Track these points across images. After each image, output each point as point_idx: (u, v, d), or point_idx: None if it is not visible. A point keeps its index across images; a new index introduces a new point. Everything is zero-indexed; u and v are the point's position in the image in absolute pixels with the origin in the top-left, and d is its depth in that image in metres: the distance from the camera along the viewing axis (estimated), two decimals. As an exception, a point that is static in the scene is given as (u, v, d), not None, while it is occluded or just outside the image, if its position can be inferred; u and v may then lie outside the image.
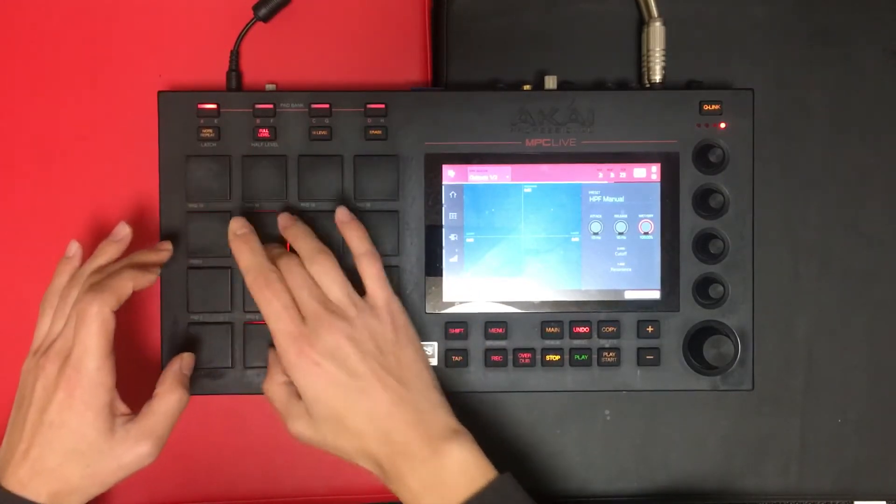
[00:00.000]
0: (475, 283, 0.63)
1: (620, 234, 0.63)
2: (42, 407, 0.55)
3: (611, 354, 0.63)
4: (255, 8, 0.68)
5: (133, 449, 0.55)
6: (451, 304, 0.63)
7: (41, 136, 0.68)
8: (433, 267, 0.63)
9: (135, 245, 0.61)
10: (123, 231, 0.61)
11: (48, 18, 0.68)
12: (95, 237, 0.61)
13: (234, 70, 0.67)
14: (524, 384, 0.64)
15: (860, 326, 0.70)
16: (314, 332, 0.55)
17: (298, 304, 0.56)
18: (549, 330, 0.63)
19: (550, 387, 0.64)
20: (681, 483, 0.70)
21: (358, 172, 0.63)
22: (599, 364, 0.63)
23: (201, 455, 0.68)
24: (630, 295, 0.64)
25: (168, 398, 0.57)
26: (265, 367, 0.62)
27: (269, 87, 0.65)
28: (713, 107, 0.63)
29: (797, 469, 0.70)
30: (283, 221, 0.61)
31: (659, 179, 0.63)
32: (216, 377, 0.63)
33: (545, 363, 0.63)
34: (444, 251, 0.63)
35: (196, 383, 0.62)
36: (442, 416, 0.57)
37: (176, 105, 0.63)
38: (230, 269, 0.63)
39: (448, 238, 0.63)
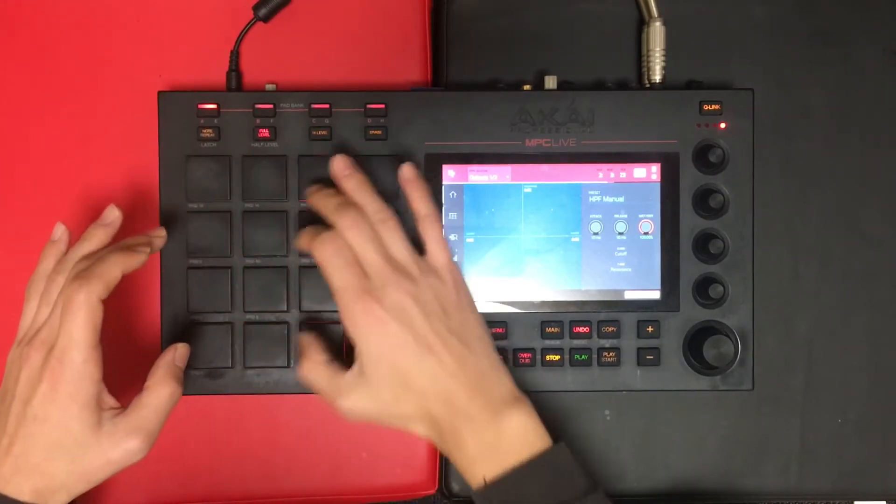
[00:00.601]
0: (475, 283, 0.63)
1: (620, 234, 0.63)
2: (26, 399, 0.53)
3: (611, 354, 0.63)
4: (255, 8, 0.68)
5: (121, 444, 0.53)
6: (451, 304, 0.63)
7: (41, 136, 0.68)
8: (433, 267, 0.63)
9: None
10: (112, 214, 0.58)
11: (48, 18, 0.68)
12: (95, 237, 0.61)
13: (234, 70, 0.67)
14: (524, 384, 0.63)
15: (860, 326, 0.70)
16: (380, 290, 0.54)
17: (363, 261, 0.55)
18: (549, 330, 0.63)
19: (550, 387, 0.64)
20: (681, 483, 0.70)
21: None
22: (599, 364, 0.63)
23: (201, 455, 0.68)
24: (630, 295, 0.64)
25: (159, 391, 0.55)
26: (265, 366, 0.62)
27: (269, 87, 0.65)
28: (713, 107, 0.63)
29: (797, 469, 0.70)
30: (339, 167, 0.59)
31: (659, 179, 0.63)
32: (216, 377, 0.63)
33: (545, 363, 0.63)
34: (444, 251, 0.63)
35: (196, 383, 0.62)
36: (504, 381, 0.56)
37: (176, 105, 0.63)
38: (230, 269, 0.63)
39: (448, 238, 0.63)
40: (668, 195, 0.63)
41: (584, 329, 0.63)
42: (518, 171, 0.63)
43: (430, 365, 0.54)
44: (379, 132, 0.63)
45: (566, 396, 0.69)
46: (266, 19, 0.68)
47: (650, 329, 0.63)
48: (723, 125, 0.63)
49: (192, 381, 0.62)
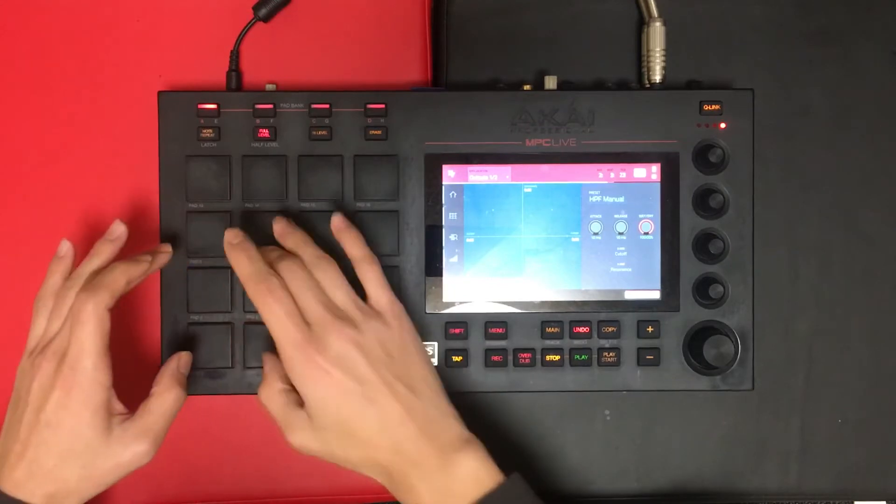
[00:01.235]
0: (475, 283, 0.63)
1: (620, 234, 0.63)
2: (38, 407, 0.54)
3: (611, 354, 0.63)
4: (255, 8, 0.68)
5: (130, 448, 0.55)
6: (451, 304, 0.63)
7: (41, 136, 0.68)
8: (433, 267, 0.63)
9: (132, 244, 0.61)
10: (118, 230, 0.60)
11: (48, 19, 0.68)
12: (95, 237, 0.61)
13: (234, 70, 0.67)
14: (524, 384, 0.63)
15: (860, 326, 0.70)
16: (321, 339, 0.54)
17: (303, 310, 0.55)
18: (549, 330, 0.63)
19: (550, 387, 0.64)
20: (681, 483, 0.70)
21: (358, 172, 0.63)
22: (599, 364, 0.63)
23: (201, 455, 0.68)
24: (630, 295, 0.64)
25: (165, 397, 0.57)
26: (265, 367, 0.62)
27: (269, 87, 0.65)
28: (713, 107, 0.63)
29: (797, 469, 0.70)
30: (280, 228, 0.60)
31: (659, 179, 0.63)
32: (216, 377, 0.63)
33: (545, 363, 0.63)
34: (444, 251, 0.63)
35: (196, 383, 0.62)
36: (452, 425, 0.56)
37: (176, 105, 0.63)
38: (230, 270, 0.62)
39: (448, 238, 0.63)
40: (668, 195, 0.63)
41: (584, 329, 0.63)
42: (518, 171, 0.63)
43: (376, 414, 0.54)
44: (379, 132, 0.63)
45: (566, 396, 0.69)
46: (266, 19, 0.68)
47: (650, 329, 0.63)
48: (723, 125, 0.63)
49: (192, 381, 0.62)
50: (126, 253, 0.60)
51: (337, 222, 0.60)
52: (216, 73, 0.67)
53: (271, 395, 0.56)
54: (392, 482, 0.55)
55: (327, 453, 0.55)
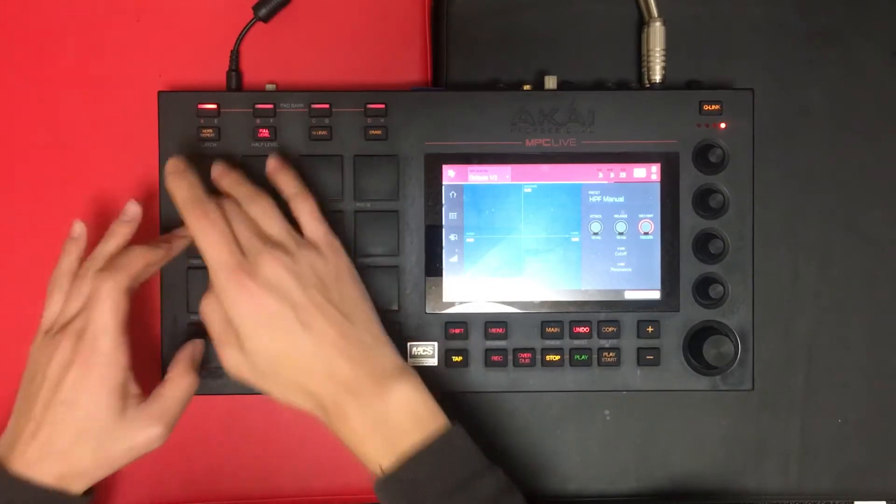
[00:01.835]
0: (475, 283, 0.63)
1: (620, 234, 0.63)
2: (55, 385, 0.54)
3: (611, 354, 0.63)
4: (255, 8, 0.68)
5: (144, 431, 0.55)
6: (451, 304, 0.63)
7: (41, 137, 0.68)
8: (433, 267, 0.63)
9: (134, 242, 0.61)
10: (133, 210, 0.60)
11: (48, 18, 0.68)
12: (97, 236, 0.61)
13: (234, 70, 0.67)
14: (524, 384, 0.63)
15: (860, 326, 0.70)
16: (254, 264, 0.53)
17: (238, 238, 0.55)
18: (549, 330, 0.63)
19: (550, 387, 0.64)
20: (681, 483, 0.70)
21: (358, 172, 0.63)
22: (599, 364, 0.63)
23: (201, 455, 0.68)
24: (630, 295, 0.64)
25: (180, 382, 0.57)
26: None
27: (269, 87, 0.65)
28: (713, 107, 0.63)
29: (797, 469, 0.70)
30: (217, 170, 0.59)
31: (659, 179, 0.63)
32: (216, 377, 0.63)
33: (545, 363, 0.63)
34: (444, 251, 0.63)
35: (196, 383, 0.62)
36: (388, 353, 0.55)
37: (176, 105, 0.63)
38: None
39: (448, 238, 0.63)
40: (668, 195, 0.63)
41: (584, 329, 0.63)
42: (518, 171, 0.63)
43: (308, 340, 0.53)
44: (379, 132, 0.63)
45: (566, 396, 0.69)
46: (266, 19, 0.68)
47: (650, 329, 0.63)
48: (723, 125, 0.63)
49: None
50: (135, 237, 0.60)
51: (272, 163, 0.60)
52: (216, 73, 0.67)
53: (214, 307, 0.55)
54: (325, 412, 0.54)
55: (258, 380, 0.54)
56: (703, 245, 0.63)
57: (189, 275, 0.63)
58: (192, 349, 0.60)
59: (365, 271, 0.62)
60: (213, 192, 0.59)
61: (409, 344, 0.63)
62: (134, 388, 0.57)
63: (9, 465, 0.54)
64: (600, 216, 0.63)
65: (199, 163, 0.62)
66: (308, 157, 0.63)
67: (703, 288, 0.63)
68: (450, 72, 0.70)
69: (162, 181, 0.63)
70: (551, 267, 0.63)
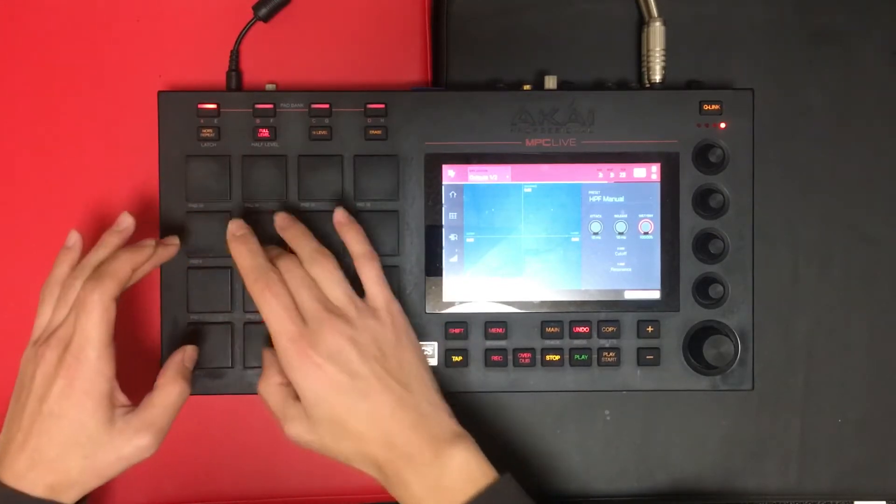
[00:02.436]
0: (475, 283, 0.63)
1: (620, 234, 0.63)
2: (41, 396, 0.54)
3: (611, 354, 0.63)
4: (255, 8, 0.68)
5: (133, 441, 0.55)
6: (451, 304, 0.63)
7: (41, 137, 0.68)
8: (433, 267, 0.63)
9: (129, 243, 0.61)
10: (126, 221, 0.60)
11: (48, 18, 0.68)
12: (96, 237, 0.61)
13: (234, 70, 0.67)
14: (524, 384, 0.63)
15: (860, 326, 0.70)
16: (315, 334, 0.55)
17: (299, 306, 0.56)
18: (549, 330, 0.63)
19: (550, 387, 0.64)
20: (681, 483, 0.70)
21: (358, 172, 0.63)
22: (599, 364, 0.63)
23: (201, 455, 0.68)
24: (630, 295, 0.64)
25: (169, 390, 0.57)
26: (265, 367, 0.62)
27: (269, 87, 0.65)
28: (713, 107, 0.63)
29: (797, 469, 0.70)
30: (281, 221, 0.61)
31: (659, 179, 0.63)
32: (216, 377, 0.63)
33: (545, 363, 0.63)
34: (444, 251, 0.63)
35: (196, 383, 0.62)
36: (444, 419, 0.56)
37: (176, 105, 0.63)
38: (230, 269, 0.63)
39: (448, 238, 0.63)
40: (668, 195, 0.63)
41: (584, 329, 0.63)
42: (518, 170, 0.63)
43: (367, 408, 0.54)
44: (379, 132, 0.63)
45: (566, 396, 0.69)
46: (266, 19, 0.68)
47: (650, 329, 0.63)
48: (723, 125, 0.63)
49: (192, 380, 0.62)
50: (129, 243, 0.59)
51: (339, 217, 0.61)
52: (216, 73, 0.67)
53: (269, 388, 0.57)
54: (385, 477, 0.55)
55: (321, 446, 0.56)
56: (703, 245, 0.63)
57: (189, 275, 0.63)
58: (182, 355, 0.59)
59: (365, 271, 0.62)
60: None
61: (409, 344, 0.63)
62: (121, 398, 0.56)
63: (0, 476, 0.53)
64: (600, 216, 0.63)
65: (199, 163, 0.63)
66: (308, 157, 0.63)
67: (703, 288, 0.63)
68: (450, 72, 0.70)
69: (162, 181, 0.63)
70: (551, 267, 0.63)
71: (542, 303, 0.63)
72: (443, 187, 0.63)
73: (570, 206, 0.63)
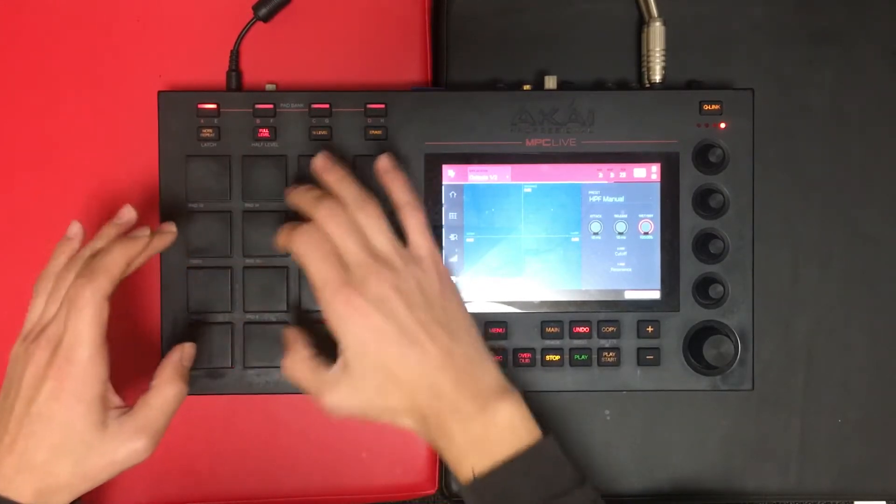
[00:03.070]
0: (475, 283, 0.63)
1: (620, 234, 0.63)
2: (30, 397, 0.52)
3: (611, 354, 0.63)
4: (255, 8, 0.68)
5: (126, 444, 0.53)
6: (451, 304, 0.63)
7: (41, 136, 0.68)
8: (433, 267, 0.63)
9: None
10: (128, 214, 0.58)
11: (48, 18, 0.68)
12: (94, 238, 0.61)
13: (234, 70, 0.67)
14: (524, 384, 0.63)
15: (860, 326, 0.70)
16: (362, 281, 0.53)
17: (343, 252, 0.54)
18: (549, 330, 0.63)
19: (550, 387, 0.64)
20: (681, 483, 0.70)
21: (358, 172, 0.63)
22: (599, 364, 0.63)
23: (201, 455, 0.68)
24: (630, 295, 0.64)
25: (166, 390, 0.54)
26: (265, 366, 0.62)
27: (269, 87, 0.65)
28: (713, 107, 0.63)
29: (797, 469, 0.70)
30: (322, 163, 0.58)
31: (659, 179, 0.63)
32: (216, 377, 0.63)
33: (545, 363, 0.63)
34: (444, 251, 0.63)
35: (196, 383, 0.62)
36: (492, 372, 0.55)
37: (176, 105, 0.63)
38: (230, 270, 0.63)
39: (448, 238, 0.63)
40: (668, 195, 0.63)
41: (584, 329, 0.63)
42: (518, 171, 0.63)
43: (416, 356, 0.53)
44: (379, 132, 0.63)
45: (566, 396, 0.69)
46: (266, 19, 0.68)
47: (650, 329, 0.63)
48: (723, 125, 0.63)
49: (192, 381, 0.62)
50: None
51: (383, 163, 0.59)
52: (216, 73, 0.67)
53: (298, 362, 0.55)
54: (429, 428, 0.54)
55: (364, 404, 0.54)
56: (703, 245, 0.63)
57: (189, 275, 0.63)
58: (179, 354, 0.57)
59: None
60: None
61: (409, 344, 0.63)
62: (115, 400, 0.54)
63: None
64: (600, 216, 0.63)
65: (199, 163, 0.63)
66: (308, 157, 0.63)
67: (703, 288, 0.63)
68: (450, 72, 0.70)
69: (162, 181, 0.63)
70: (551, 267, 0.63)
71: (542, 303, 0.63)
72: (443, 187, 0.63)
73: (570, 206, 0.63)
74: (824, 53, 0.70)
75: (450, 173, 0.63)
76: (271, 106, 0.63)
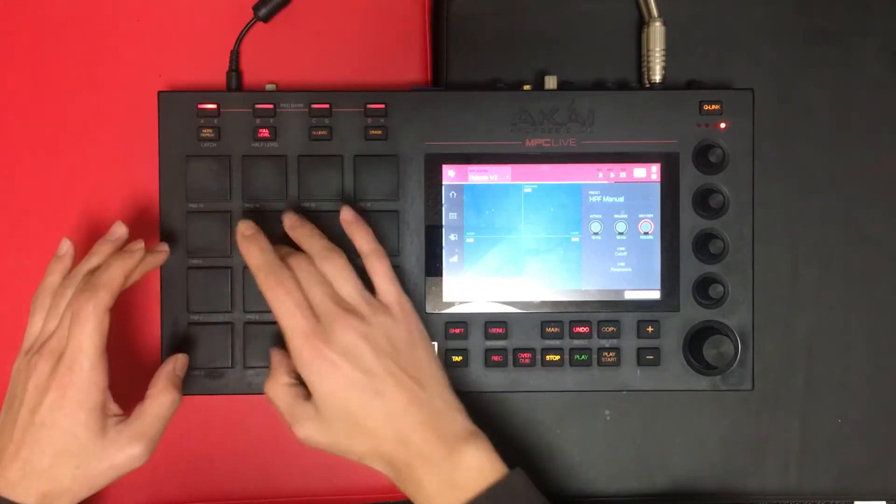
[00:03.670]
0: (475, 283, 0.63)
1: (620, 234, 0.63)
2: (33, 407, 0.54)
3: (611, 354, 0.63)
4: (255, 8, 0.68)
5: (124, 450, 0.55)
6: (451, 304, 0.63)
7: (41, 136, 0.68)
8: (433, 267, 0.63)
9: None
10: (119, 231, 0.60)
11: (48, 18, 0.68)
12: (95, 237, 0.61)
13: (234, 70, 0.67)
14: (524, 384, 0.63)
15: (860, 326, 0.70)
16: (328, 330, 0.54)
17: (311, 303, 0.55)
18: (549, 330, 0.63)
19: (550, 387, 0.64)
20: (681, 483, 0.70)
21: (358, 172, 0.63)
22: (599, 364, 0.63)
23: (201, 455, 0.68)
24: (630, 295, 0.64)
25: (160, 399, 0.57)
26: (266, 367, 0.62)
27: (269, 87, 0.65)
28: (713, 107, 0.63)
29: (797, 469, 0.70)
30: (290, 221, 0.60)
31: (659, 179, 0.63)
32: (216, 377, 0.63)
33: (545, 363, 0.63)
34: (444, 251, 0.63)
35: (196, 383, 0.62)
36: (458, 417, 0.56)
37: (176, 105, 0.63)
38: (230, 270, 0.63)
39: (448, 238, 0.63)
40: (668, 195, 0.63)
41: (584, 329, 0.63)
42: (518, 171, 0.63)
43: (381, 406, 0.54)
44: (379, 132, 0.63)
45: (566, 396, 0.69)
46: (266, 19, 0.68)
47: (650, 329, 0.63)
48: (723, 125, 0.63)
49: (192, 381, 0.62)
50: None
51: (346, 215, 0.60)
52: (216, 73, 0.67)
53: (277, 388, 0.57)
54: (398, 474, 0.55)
55: (333, 445, 0.55)
56: (703, 245, 0.63)
57: (189, 275, 0.63)
58: (173, 364, 0.59)
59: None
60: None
61: (409, 344, 0.63)
62: (114, 408, 0.56)
63: None
64: (600, 216, 0.63)
65: (199, 163, 0.63)
66: (308, 157, 0.63)
67: (703, 288, 0.63)
68: (450, 72, 0.70)
69: (162, 181, 0.63)
70: (551, 267, 0.63)
71: (542, 303, 0.63)
72: (443, 187, 0.63)
73: (570, 206, 0.63)
74: (824, 53, 0.70)
75: (450, 173, 0.63)
76: (271, 106, 0.63)
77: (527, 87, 0.64)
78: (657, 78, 0.67)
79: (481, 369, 0.63)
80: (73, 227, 0.67)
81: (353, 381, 0.54)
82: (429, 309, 0.63)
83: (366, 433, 0.54)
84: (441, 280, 0.63)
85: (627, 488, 0.70)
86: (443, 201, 0.63)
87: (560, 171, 0.63)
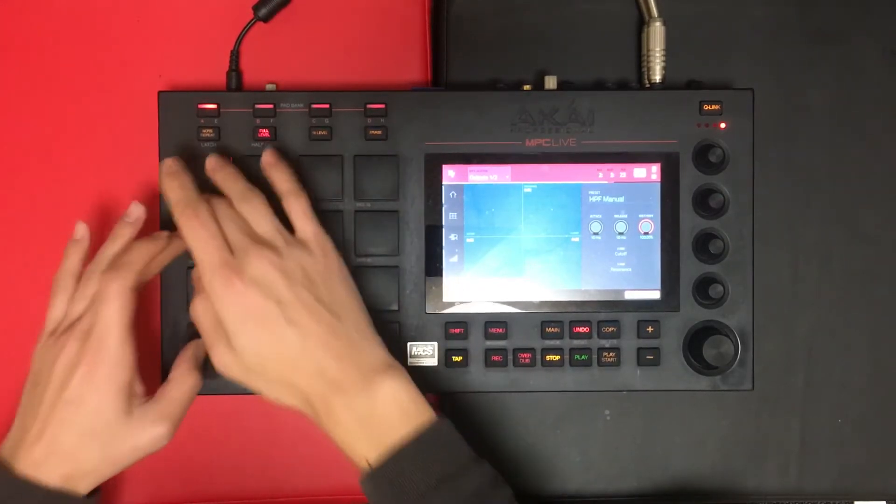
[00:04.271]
0: (475, 283, 0.63)
1: (620, 234, 0.63)
2: (61, 384, 0.54)
3: (611, 354, 0.63)
4: (255, 8, 0.68)
5: (148, 430, 0.56)
6: (451, 304, 0.63)
7: (41, 137, 0.68)
8: (433, 267, 0.63)
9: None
10: (136, 211, 0.60)
11: (48, 18, 0.68)
12: (98, 237, 0.61)
13: (234, 70, 0.67)
14: (524, 384, 0.63)
15: (860, 326, 0.70)
16: (241, 262, 0.54)
17: (227, 238, 0.55)
18: (549, 330, 0.63)
19: (550, 387, 0.64)
20: (681, 483, 0.70)
21: (358, 172, 0.63)
22: (599, 364, 0.63)
23: (201, 455, 0.68)
24: (630, 295, 0.64)
25: (184, 381, 0.58)
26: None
27: (269, 87, 0.65)
28: (713, 107, 0.63)
29: (797, 469, 0.70)
30: (212, 164, 0.60)
31: (659, 179, 0.63)
32: (216, 377, 0.63)
33: (545, 363, 0.63)
34: (444, 251, 0.63)
35: (196, 383, 0.62)
36: (375, 350, 0.56)
37: (176, 105, 0.63)
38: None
39: (448, 238, 0.63)
40: (668, 195, 0.63)
41: (584, 329, 0.63)
42: (518, 171, 0.63)
43: (296, 335, 0.53)
44: (379, 132, 0.63)
45: (566, 396, 0.69)
46: (266, 19, 0.68)
47: (650, 329, 0.63)
48: (723, 125, 0.63)
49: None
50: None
51: (267, 158, 0.60)
52: (216, 73, 0.67)
53: (204, 308, 0.55)
54: (313, 408, 0.54)
55: (248, 378, 0.55)
56: (703, 245, 0.63)
57: (189, 275, 0.63)
58: (195, 348, 0.60)
59: (365, 271, 0.62)
60: (210, 189, 0.59)
61: (409, 344, 0.63)
62: (139, 388, 0.57)
63: (14, 467, 0.54)
64: (600, 216, 0.63)
65: (199, 163, 0.63)
66: (308, 157, 0.63)
67: (703, 288, 0.63)
68: (450, 72, 0.70)
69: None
70: (551, 267, 0.63)
71: (542, 303, 0.63)
72: (443, 187, 0.63)
73: (570, 206, 0.63)
74: (824, 53, 0.70)
75: (450, 173, 0.63)
76: (271, 106, 0.63)
77: (527, 87, 0.64)
78: (657, 78, 0.67)
79: (481, 369, 0.63)
80: (72, 227, 0.67)
81: (265, 312, 0.53)
82: (429, 309, 0.63)
83: (280, 365, 0.53)
84: (441, 280, 0.63)
85: (627, 488, 0.70)
86: (443, 201, 0.63)
87: (560, 171, 0.63)
